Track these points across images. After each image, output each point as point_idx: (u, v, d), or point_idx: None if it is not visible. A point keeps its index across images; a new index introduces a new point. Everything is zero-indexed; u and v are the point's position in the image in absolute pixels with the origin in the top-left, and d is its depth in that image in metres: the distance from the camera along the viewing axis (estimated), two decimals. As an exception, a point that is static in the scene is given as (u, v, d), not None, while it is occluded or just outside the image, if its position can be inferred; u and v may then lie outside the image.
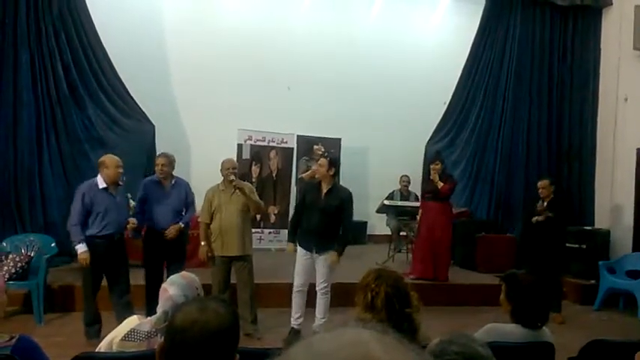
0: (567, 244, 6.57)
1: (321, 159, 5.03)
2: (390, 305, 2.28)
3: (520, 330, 2.50)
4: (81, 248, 4.54)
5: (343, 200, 4.91)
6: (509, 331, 2.50)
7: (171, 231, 5.02)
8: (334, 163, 4.96)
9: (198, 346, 1.35)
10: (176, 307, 1.49)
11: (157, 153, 7.92)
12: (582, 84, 8.78)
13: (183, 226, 5.14)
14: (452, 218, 7.09)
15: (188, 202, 5.24)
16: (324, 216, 4.84)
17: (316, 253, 4.89)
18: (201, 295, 2.45)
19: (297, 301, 4.97)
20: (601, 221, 8.32)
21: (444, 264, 6.86)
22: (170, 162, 5.19)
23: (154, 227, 5.07)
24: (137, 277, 5.08)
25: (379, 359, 0.56)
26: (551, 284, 5.98)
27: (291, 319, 4.99)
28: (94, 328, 4.66)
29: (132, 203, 5.36)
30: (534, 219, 6.18)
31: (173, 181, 5.19)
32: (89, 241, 4.58)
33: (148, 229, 5.16)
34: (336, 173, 5.03)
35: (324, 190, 4.89)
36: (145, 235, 5.19)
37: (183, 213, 5.22)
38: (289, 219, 8.90)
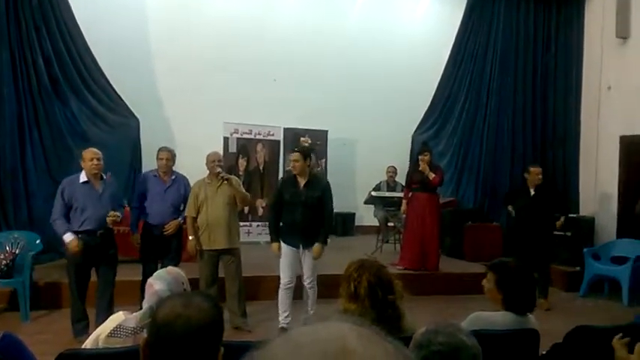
0: (554, 232, 6.63)
1: (293, 154, 4.91)
2: (373, 293, 2.31)
3: (506, 317, 2.52)
4: (68, 237, 4.46)
5: (324, 190, 4.86)
6: (495, 319, 2.53)
7: (171, 226, 5.00)
8: (307, 153, 4.92)
9: (182, 341, 1.35)
10: (159, 302, 1.48)
11: (143, 147, 7.94)
12: (566, 72, 8.86)
13: (182, 221, 5.10)
14: (440, 208, 7.13)
15: (187, 197, 5.17)
16: (306, 209, 4.77)
17: (303, 248, 4.85)
18: (187, 290, 2.43)
19: (284, 299, 4.90)
20: (586, 208, 8.42)
21: (433, 254, 6.89)
22: (172, 156, 5.17)
23: (152, 222, 5.03)
24: (130, 273, 5.06)
25: (355, 352, 0.56)
26: (540, 271, 6.06)
27: (280, 318, 4.93)
28: (81, 325, 4.61)
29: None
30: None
31: (173, 177, 5.15)
32: None
33: (145, 224, 5.12)
34: (310, 163, 4.96)
35: (302, 183, 4.82)
36: (142, 230, 5.13)
37: (181, 208, 5.17)
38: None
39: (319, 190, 4.83)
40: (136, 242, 5.12)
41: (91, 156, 4.58)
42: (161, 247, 5.02)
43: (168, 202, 5.07)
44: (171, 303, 1.43)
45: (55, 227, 4.55)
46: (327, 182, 4.99)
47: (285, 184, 5.04)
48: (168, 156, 5.10)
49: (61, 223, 4.50)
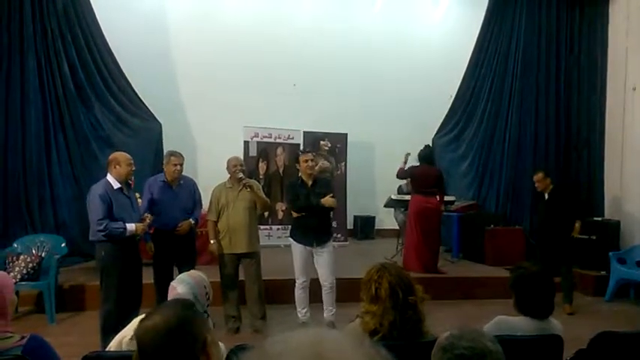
0: (578, 235, 6.48)
1: (307, 154, 5.03)
2: (394, 294, 2.31)
3: (528, 322, 2.49)
4: (131, 226, 4.31)
5: (329, 185, 5.02)
6: (517, 323, 2.50)
7: (183, 226, 4.92)
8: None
9: (156, 350, 1.44)
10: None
11: (165, 151, 8.01)
12: (590, 74, 8.67)
13: (194, 222, 5.06)
14: (434, 209, 7.03)
15: (196, 199, 5.17)
16: (318, 208, 4.87)
17: (317, 245, 4.91)
18: (209, 293, 2.46)
19: (300, 296, 5.02)
20: (611, 212, 8.25)
21: (432, 255, 6.89)
22: (183, 161, 5.06)
23: (165, 228, 4.92)
24: (146, 276, 5.07)
25: (329, 358, 0.55)
26: (562, 275, 5.98)
27: (299, 315, 5.02)
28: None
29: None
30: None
31: (181, 181, 5.06)
32: (109, 246, 4.31)
33: (156, 230, 5.01)
34: None
35: (309, 183, 4.94)
36: (153, 236, 5.02)
37: (190, 212, 5.11)
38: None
39: (325, 186, 4.99)
40: (150, 250, 4.98)
41: (128, 161, 4.44)
42: (175, 252, 4.92)
43: (179, 207, 4.97)
44: (143, 320, 1.52)
45: (110, 231, 4.25)
46: (328, 178, 5.12)
47: (295, 188, 5.04)
48: (182, 161, 5.00)
49: (111, 224, 4.26)
